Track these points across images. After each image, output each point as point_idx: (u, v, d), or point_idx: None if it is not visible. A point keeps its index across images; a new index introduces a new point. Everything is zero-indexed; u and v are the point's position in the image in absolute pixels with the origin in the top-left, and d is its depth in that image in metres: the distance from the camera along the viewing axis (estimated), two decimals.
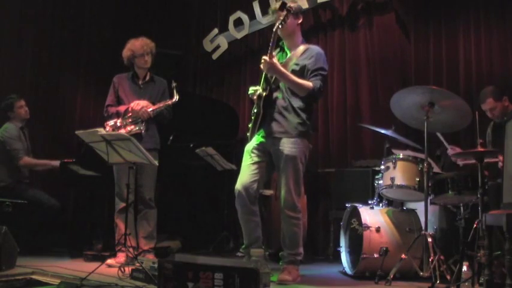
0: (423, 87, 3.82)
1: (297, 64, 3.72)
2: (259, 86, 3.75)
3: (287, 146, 3.65)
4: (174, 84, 4.36)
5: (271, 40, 3.60)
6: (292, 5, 3.67)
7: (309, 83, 3.64)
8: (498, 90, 4.21)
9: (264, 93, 3.71)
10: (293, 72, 3.69)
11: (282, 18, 3.59)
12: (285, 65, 3.73)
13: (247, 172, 3.72)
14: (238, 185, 3.70)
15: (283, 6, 3.61)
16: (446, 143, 4.29)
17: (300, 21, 3.81)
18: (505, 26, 4.86)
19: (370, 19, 5.66)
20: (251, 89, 3.79)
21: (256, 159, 3.74)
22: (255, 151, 3.75)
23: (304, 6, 5.78)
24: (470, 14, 5.09)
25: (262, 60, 3.63)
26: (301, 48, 3.80)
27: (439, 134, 4.20)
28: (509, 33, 4.83)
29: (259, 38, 6.58)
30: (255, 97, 3.75)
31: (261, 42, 6.51)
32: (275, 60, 3.64)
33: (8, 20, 6.03)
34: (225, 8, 6.89)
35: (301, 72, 3.70)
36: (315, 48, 3.82)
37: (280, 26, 3.60)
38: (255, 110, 3.74)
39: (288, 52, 3.83)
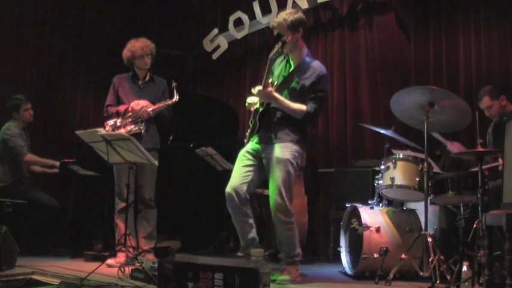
0: (423, 87, 3.82)
1: (297, 82, 3.71)
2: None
3: (278, 149, 3.66)
4: (174, 84, 4.36)
5: (266, 69, 3.65)
6: (290, 18, 3.66)
7: (303, 108, 3.64)
8: (495, 90, 4.23)
9: (261, 109, 3.73)
10: (292, 89, 3.70)
11: (275, 50, 3.64)
12: (287, 80, 3.74)
13: (237, 174, 3.73)
14: (228, 188, 3.70)
15: (277, 38, 3.67)
16: (444, 140, 4.30)
17: (300, 34, 3.76)
18: (505, 26, 4.86)
19: (370, 19, 5.66)
20: (248, 102, 3.82)
21: (247, 162, 3.75)
22: (247, 154, 3.77)
23: (304, 6, 5.78)
24: (470, 14, 5.09)
25: (257, 91, 3.65)
26: (306, 63, 3.76)
27: (435, 134, 4.19)
28: (509, 33, 4.83)
29: (259, 38, 6.57)
30: (252, 109, 3.79)
31: (261, 42, 6.51)
32: (269, 88, 3.64)
33: (8, 21, 6.03)
34: (225, 8, 6.88)
35: (301, 91, 3.70)
36: (318, 68, 3.74)
37: (274, 57, 3.69)
38: (252, 123, 3.80)
39: (292, 64, 3.81)
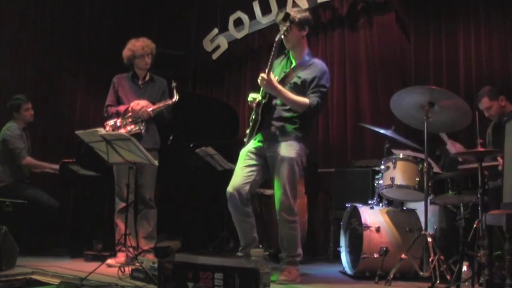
0: (423, 87, 3.82)
1: (299, 77, 3.70)
2: (259, 93, 3.75)
3: (283, 148, 3.64)
4: (174, 84, 4.36)
5: (272, 54, 3.60)
6: (298, 15, 3.66)
7: (305, 100, 3.62)
8: (494, 90, 4.24)
9: (264, 101, 3.70)
10: (294, 84, 3.68)
11: (284, 29, 3.58)
12: (288, 75, 3.73)
13: (240, 174, 3.70)
14: (230, 188, 3.68)
15: (286, 17, 3.60)
16: (447, 139, 4.29)
17: (305, 33, 3.75)
18: (505, 26, 4.86)
19: (370, 19, 5.65)
20: (250, 97, 3.80)
21: (250, 162, 3.73)
22: (250, 154, 3.75)
23: (304, 6, 5.77)
24: (470, 14, 5.09)
25: (260, 77, 3.61)
26: (307, 61, 3.76)
27: (442, 135, 4.20)
28: (509, 33, 4.83)
29: (259, 38, 6.57)
30: (254, 104, 3.76)
31: (261, 42, 6.51)
32: (272, 77, 3.62)
33: (8, 20, 6.03)
34: (225, 8, 6.88)
35: (302, 86, 3.68)
36: (319, 64, 3.77)
37: (282, 37, 3.60)
38: (253, 117, 3.76)
39: (293, 61, 3.81)
